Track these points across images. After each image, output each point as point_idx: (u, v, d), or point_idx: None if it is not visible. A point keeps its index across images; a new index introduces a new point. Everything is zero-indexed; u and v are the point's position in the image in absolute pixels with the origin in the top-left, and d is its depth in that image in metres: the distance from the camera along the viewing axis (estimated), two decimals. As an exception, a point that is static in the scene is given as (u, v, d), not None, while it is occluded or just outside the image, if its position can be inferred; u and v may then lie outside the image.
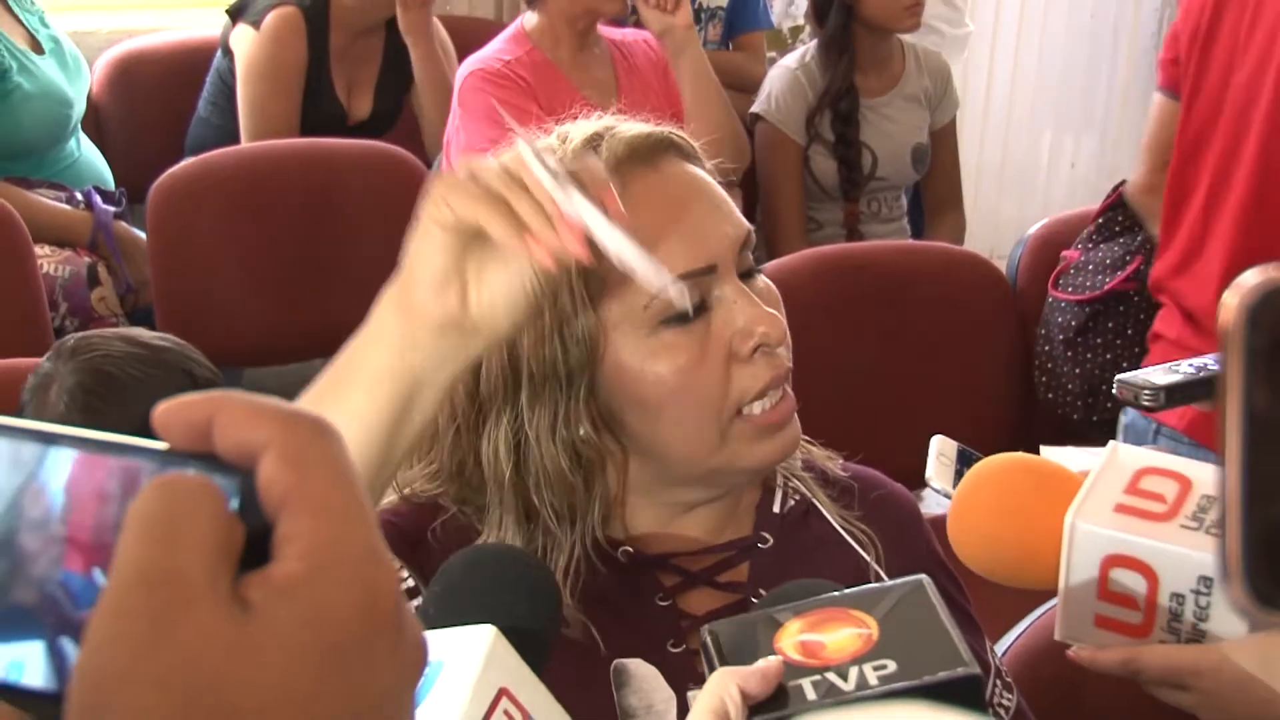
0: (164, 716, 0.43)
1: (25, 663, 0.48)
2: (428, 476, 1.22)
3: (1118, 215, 2.66)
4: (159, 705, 0.43)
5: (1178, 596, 0.99)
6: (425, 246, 0.98)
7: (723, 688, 0.81)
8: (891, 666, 0.80)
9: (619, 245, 0.94)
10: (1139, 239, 2.61)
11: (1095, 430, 2.60)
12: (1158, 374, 1.26)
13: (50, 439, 0.49)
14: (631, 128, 1.19)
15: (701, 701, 0.81)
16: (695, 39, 3.02)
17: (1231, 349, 0.47)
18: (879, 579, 1.20)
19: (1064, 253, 2.69)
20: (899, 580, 0.89)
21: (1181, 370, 1.25)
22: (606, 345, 1.14)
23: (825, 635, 0.84)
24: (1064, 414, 2.65)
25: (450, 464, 1.20)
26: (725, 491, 1.23)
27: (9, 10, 3.14)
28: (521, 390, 1.15)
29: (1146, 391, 1.23)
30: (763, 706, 0.80)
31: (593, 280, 1.13)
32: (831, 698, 0.79)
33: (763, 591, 1.16)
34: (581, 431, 1.16)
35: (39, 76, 3.06)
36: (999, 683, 1.28)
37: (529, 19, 2.98)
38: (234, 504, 0.46)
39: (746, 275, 1.18)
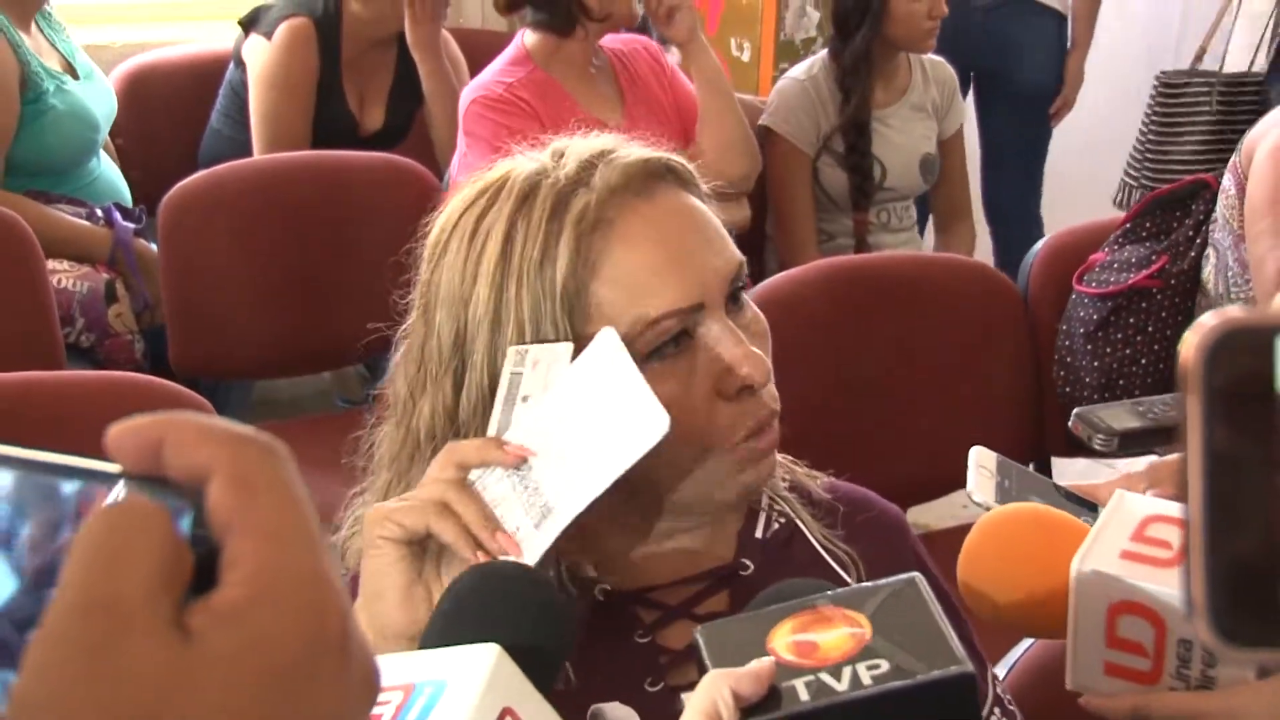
0: None
1: None
2: None
3: (1146, 221, 2.68)
4: None
5: (1185, 643, 0.99)
6: (382, 565, 1.04)
7: (715, 689, 0.80)
8: (885, 666, 0.80)
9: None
10: (1165, 243, 2.63)
11: (1110, 425, 2.60)
12: (1121, 414, 1.25)
13: (3, 461, 0.49)
14: (629, 153, 1.17)
15: (694, 703, 0.80)
16: (703, 47, 3.03)
17: (1191, 388, 0.48)
18: None
19: (1092, 255, 2.71)
20: (891, 579, 0.88)
21: (1149, 414, 1.26)
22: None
23: (818, 635, 0.83)
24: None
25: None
26: (702, 521, 1.21)
27: (44, 35, 3.17)
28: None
29: (1100, 436, 1.23)
30: (755, 708, 0.80)
31: (576, 311, 1.12)
32: (825, 698, 0.79)
33: None
34: None
35: (72, 100, 3.09)
36: (998, 710, 1.27)
37: (529, 37, 2.94)
38: (184, 527, 0.46)
39: (735, 303, 1.17)
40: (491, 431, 1.09)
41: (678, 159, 1.20)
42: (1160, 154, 3.85)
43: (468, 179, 1.21)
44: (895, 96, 3.31)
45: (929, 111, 3.34)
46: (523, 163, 1.18)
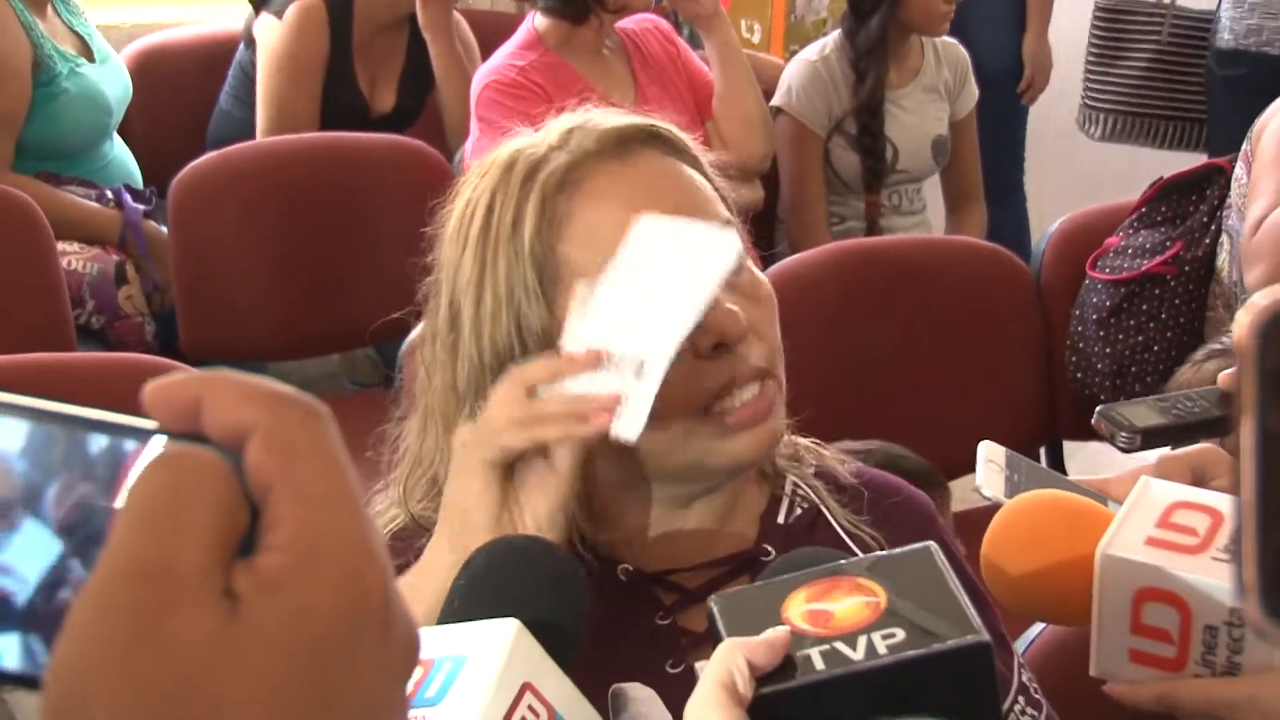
0: (143, 716, 0.42)
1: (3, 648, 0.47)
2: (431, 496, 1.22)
3: (1160, 205, 2.68)
4: (138, 705, 0.41)
5: (1211, 629, 0.98)
6: (477, 487, 1.07)
7: (730, 659, 0.79)
8: (900, 635, 0.79)
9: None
10: (1180, 228, 2.62)
11: (1121, 414, 2.60)
12: (1144, 411, 1.24)
13: (36, 414, 0.48)
14: (606, 119, 1.17)
15: (709, 673, 0.80)
16: (725, 22, 3.02)
17: (1246, 369, 0.47)
18: None
19: (1107, 240, 2.70)
20: (907, 548, 0.87)
21: (1173, 410, 1.24)
22: (564, 336, 1.12)
23: (833, 604, 0.82)
24: (1090, 394, 2.64)
25: (438, 466, 1.19)
26: (710, 487, 1.20)
27: (61, 18, 3.17)
28: (485, 385, 1.14)
29: (1124, 434, 1.22)
30: (771, 677, 0.79)
31: (546, 275, 1.12)
32: (840, 667, 0.78)
33: None
34: None
35: (86, 83, 3.09)
36: (1022, 698, 1.26)
37: (539, 20, 2.92)
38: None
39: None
40: (567, 346, 1.09)
41: (665, 126, 1.19)
42: (1102, 76, 3.85)
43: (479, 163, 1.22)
44: (908, 78, 3.30)
45: (941, 93, 3.33)
46: (517, 140, 1.19)
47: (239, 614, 0.43)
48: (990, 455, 1.29)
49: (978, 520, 1.14)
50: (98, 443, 0.47)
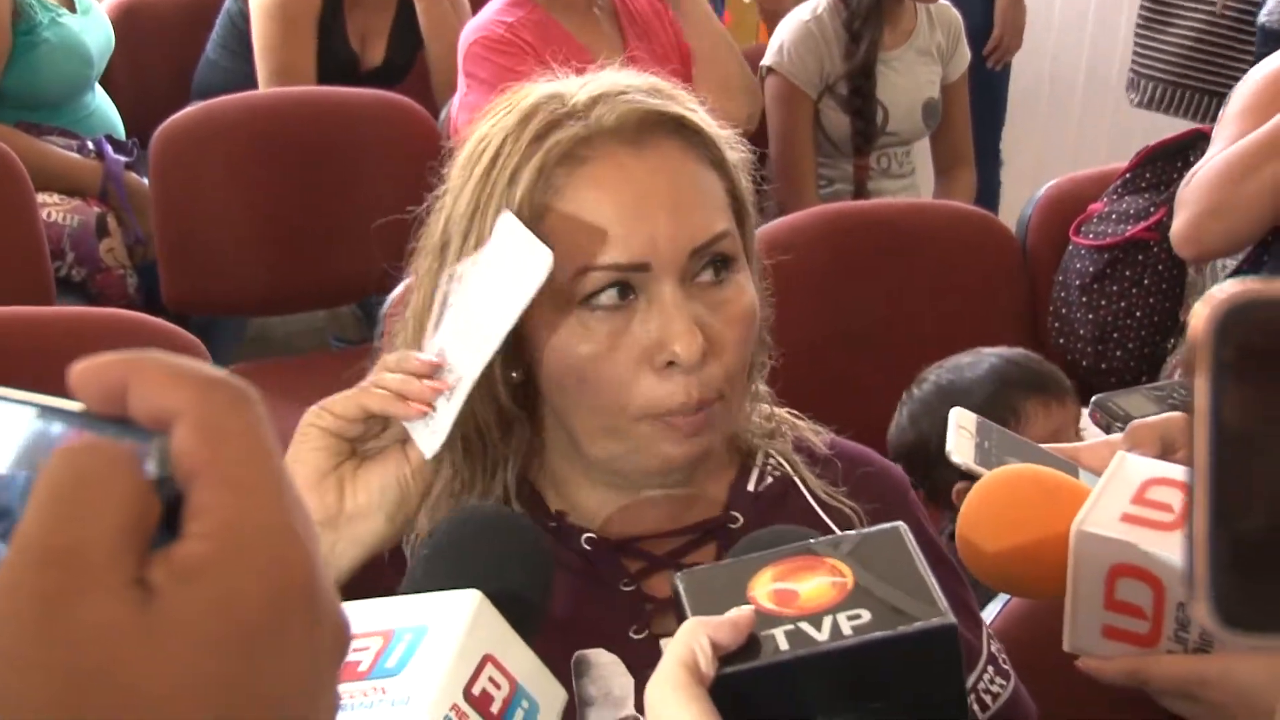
0: (50, 704, 0.40)
1: None
2: None
3: (1145, 172, 2.67)
4: (45, 693, 0.40)
5: (1184, 606, 0.98)
6: (303, 450, 1.07)
7: (693, 637, 0.78)
8: (866, 616, 0.78)
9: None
10: (1165, 194, 2.61)
11: (1103, 378, 2.61)
12: (1139, 401, 1.24)
13: None
14: (638, 99, 1.13)
15: (671, 651, 0.79)
16: None
17: (1201, 362, 0.46)
18: None
19: (1091, 205, 2.69)
20: (875, 528, 0.87)
21: (1168, 399, 1.24)
22: (531, 304, 1.11)
23: (799, 584, 0.82)
24: (1073, 360, 2.64)
25: None
26: (650, 481, 1.19)
27: None
28: None
29: (1119, 425, 1.21)
30: (734, 657, 0.78)
31: None
32: (805, 647, 0.77)
33: None
34: (501, 379, 1.15)
35: (66, 34, 3.06)
36: (991, 668, 1.26)
37: None
38: (151, 471, 0.44)
39: (715, 279, 1.13)
40: (427, 354, 1.10)
41: (697, 118, 1.15)
42: (1148, 41, 3.81)
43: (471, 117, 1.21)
44: (900, 40, 3.27)
45: (934, 55, 3.31)
46: (547, 85, 1.17)
47: (154, 602, 0.42)
48: (962, 421, 1.28)
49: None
50: (28, 425, 0.46)
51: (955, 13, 3.37)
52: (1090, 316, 2.63)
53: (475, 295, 1.08)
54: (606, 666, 1.13)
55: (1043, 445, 1.29)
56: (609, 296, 1.10)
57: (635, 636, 1.15)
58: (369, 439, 1.09)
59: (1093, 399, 1.28)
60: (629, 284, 1.10)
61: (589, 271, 1.10)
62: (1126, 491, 1.01)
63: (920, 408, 2.14)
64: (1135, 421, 1.18)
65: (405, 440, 1.08)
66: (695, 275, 1.12)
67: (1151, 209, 2.61)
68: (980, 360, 2.13)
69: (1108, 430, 1.26)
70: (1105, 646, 1.02)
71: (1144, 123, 4.18)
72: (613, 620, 1.15)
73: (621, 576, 1.18)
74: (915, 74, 3.28)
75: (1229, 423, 0.46)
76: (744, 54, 3.17)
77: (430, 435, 1.05)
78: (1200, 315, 0.46)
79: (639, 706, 1.09)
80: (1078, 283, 2.65)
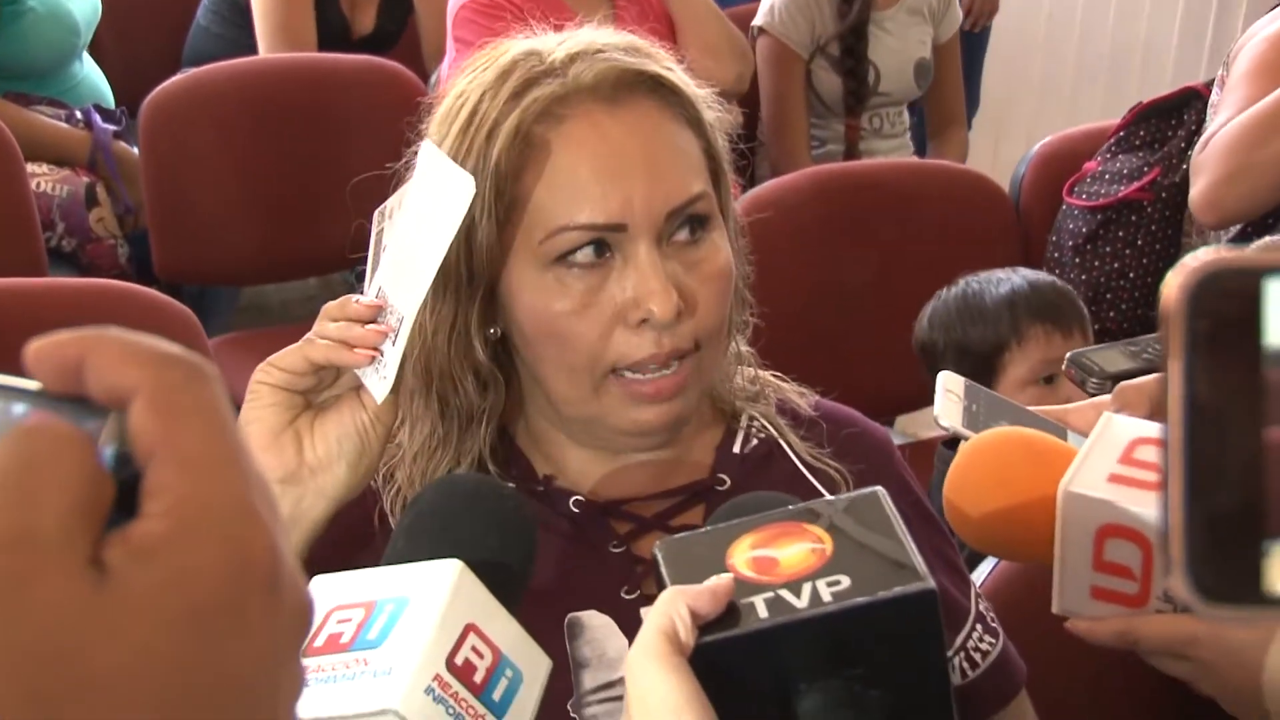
0: (6, 685, 0.40)
1: None
2: None
3: (1139, 129, 2.65)
4: (1, 673, 0.40)
5: None
6: (255, 409, 1.07)
7: (672, 606, 0.78)
8: (846, 582, 0.78)
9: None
10: (1159, 153, 2.60)
11: (1096, 339, 2.60)
12: (1115, 356, 1.24)
13: None
14: (615, 57, 1.14)
15: (650, 621, 0.79)
16: None
17: (1173, 333, 0.46)
18: None
19: (1085, 164, 2.68)
20: (854, 493, 0.86)
21: (1143, 354, 1.23)
22: (507, 264, 1.13)
23: (778, 550, 0.81)
24: None
25: None
26: (632, 446, 1.20)
27: None
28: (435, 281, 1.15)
29: (1094, 380, 1.21)
30: (713, 625, 0.78)
31: (503, 198, 1.11)
32: (784, 615, 0.77)
33: None
34: (474, 339, 1.15)
35: (53, 2, 3.03)
36: (979, 627, 1.27)
37: None
38: (108, 452, 0.44)
39: (691, 239, 1.13)
40: (368, 296, 1.11)
41: (674, 77, 1.16)
42: None
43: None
44: (892, 0, 3.25)
45: (925, 16, 3.29)
46: (525, 41, 1.18)
47: (111, 583, 0.42)
48: (949, 385, 1.28)
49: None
50: None
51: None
52: (1084, 277, 2.63)
53: (406, 231, 1.08)
54: (600, 629, 1.14)
55: (1031, 408, 1.29)
56: (585, 255, 1.11)
57: (627, 597, 1.16)
58: (322, 390, 1.10)
59: (1068, 355, 1.28)
60: (605, 242, 1.11)
61: (565, 231, 1.11)
62: (1113, 452, 1.01)
63: (941, 310, 2.23)
64: (1123, 383, 1.18)
65: (359, 387, 1.09)
66: (671, 235, 1.13)
67: (1145, 168, 2.60)
68: (1008, 279, 2.20)
69: (1082, 385, 1.25)
70: (1094, 608, 1.02)
71: (1137, 80, 4.16)
72: (604, 582, 1.16)
73: (611, 539, 1.19)
74: (907, 34, 3.26)
75: (1202, 395, 0.45)
76: (735, 14, 3.15)
77: (380, 380, 1.06)
78: (1171, 286, 0.46)
79: None
80: (1071, 243, 2.64)
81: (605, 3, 2.90)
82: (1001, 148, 4.24)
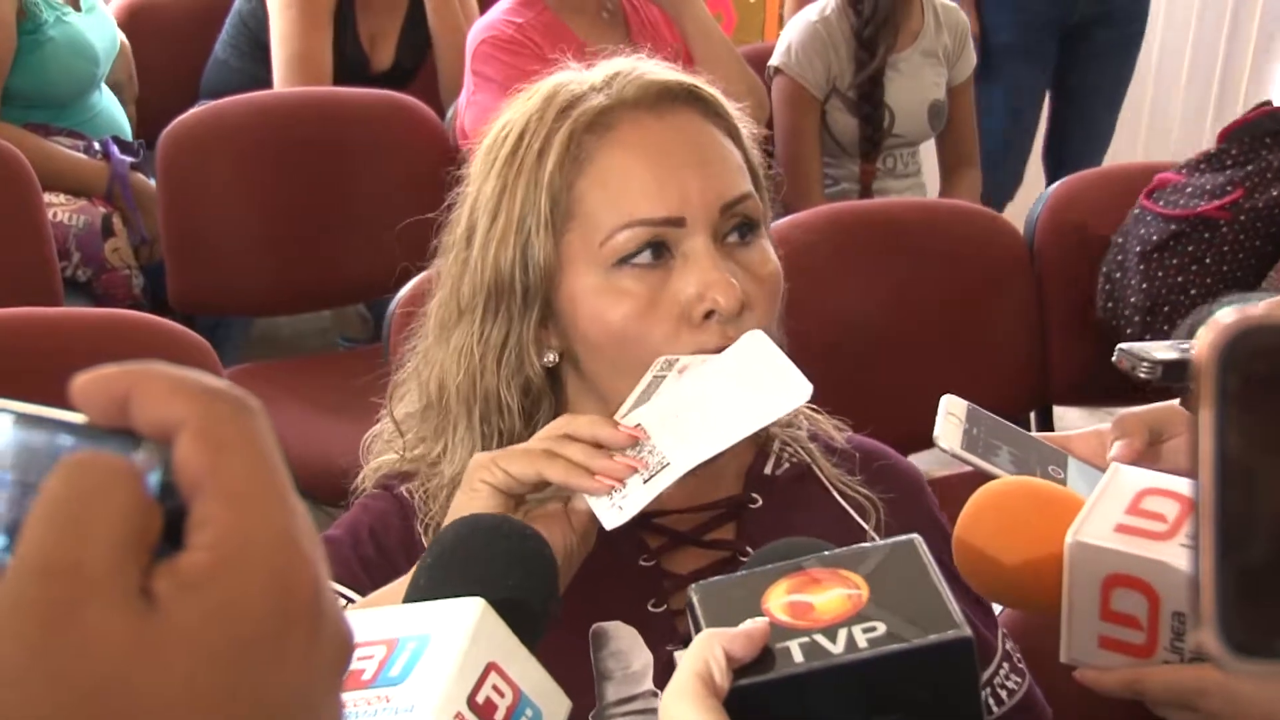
0: (54, 716, 0.41)
1: None
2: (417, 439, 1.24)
3: (1231, 149, 2.56)
4: (49, 704, 0.41)
5: (1179, 615, 0.98)
6: (473, 503, 1.05)
7: (707, 649, 0.78)
8: (881, 629, 0.78)
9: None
10: (1247, 171, 2.52)
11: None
12: (1164, 348, 1.24)
13: None
14: (653, 71, 1.18)
15: (685, 664, 0.79)
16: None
17: (1205, 390, 0.46)
18: None
19: (1162, 175, 2.60)
20: (890, 540, 0.86)
21: (1192, 350, 1.23)
22: (564, 274, 1.15)
23: (814, 596, 0.81)
24: (1117, 327, 2.57)
25: (429, 385, 1.21)
26: None
27: None
28: (483, 302, 1.16)
29: (1145, 364, 1.22)
30: (749, 669, 0.78)
31: (558, 209, 1.13)
32: (820, 660, 0.77)
33: (749, 549, 1.15)
34: (529, 357, 1.16)
35: (72, 32, 3.06)
36: (1006, 665, 1.26)
37: None
38: (154, 483, 0.44)
39: (741, 241, 1.16)
40: (620, 417, 1.10)
41: (710, 90, 1.20)
42: None
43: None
44: (907, 41, 3.26)
45: (940, 58, 3.30)
46: (565, 74, 1.21)
47: (158, 614, 0.42)
48: (951, 408, 1.28)
49: (961, 485, 1.13)
50: (37, 438, 0.46)
51: (963, 15, 3.36)
52: (1144, 285, 2.54)
53: (704, 395, 1.08)
54: (624, 640, 1.14)
55: (1033, 435, 1.29)
56: (644, 257, 1.13)
57: (653, 610, 1.17)
58: (535, 492, 1.09)
59: (1118, 346, 1.28)
60: (664, 242, 1.13)
61: (626, 228, 1.12)
62: (1121, 502, 1.01)
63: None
64: (1123, 413, 1.19)
65: (568, 500, 1.08)
66: (725, 235, 1.15)
67: (1229, 187, 2.51)
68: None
69: (1132, 371, 1.25)
70: (1102, 657, 1.01)
71: (1177, 121, 4.14)
72: (631, 594, 1.17)
73: (641, 552, 1.20)
74: (921, 76, 3.27)
75: (1233, 451, 0.46)
76: (750, 52, 3.16)
77: (613, 510, 1.05)
78: (1204, 342, 0.46)
79: (656, 681, 1.11)
80: (1138, 248, 2.56)
81: (621, 37, 2.92)
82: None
